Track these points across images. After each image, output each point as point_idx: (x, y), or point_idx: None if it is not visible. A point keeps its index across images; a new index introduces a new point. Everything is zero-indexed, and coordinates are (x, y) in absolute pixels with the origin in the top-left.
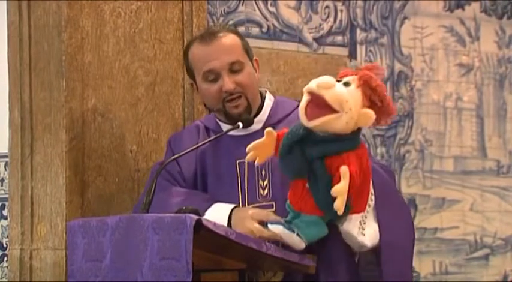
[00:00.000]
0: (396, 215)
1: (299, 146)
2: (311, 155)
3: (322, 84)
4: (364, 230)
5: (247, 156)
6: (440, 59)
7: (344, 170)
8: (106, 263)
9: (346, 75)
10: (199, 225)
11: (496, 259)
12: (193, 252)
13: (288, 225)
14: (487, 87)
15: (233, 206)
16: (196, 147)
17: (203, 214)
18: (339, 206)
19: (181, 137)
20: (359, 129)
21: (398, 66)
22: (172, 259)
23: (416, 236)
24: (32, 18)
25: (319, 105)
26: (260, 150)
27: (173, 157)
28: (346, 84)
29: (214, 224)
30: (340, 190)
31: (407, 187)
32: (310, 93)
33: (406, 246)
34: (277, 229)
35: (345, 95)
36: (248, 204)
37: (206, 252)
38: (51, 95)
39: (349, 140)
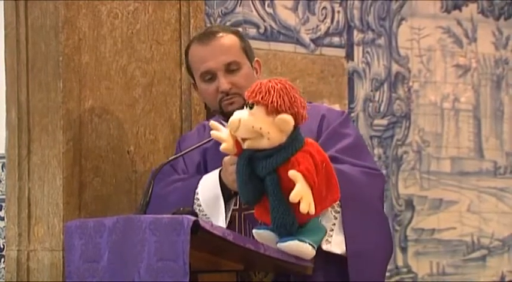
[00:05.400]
0: (367, 224)
1: (252, 171)
2: (262, 172)
3: (231, 128)
4: (330, 237)
5: (222, 147)
6: (438, 60)
7: (293, 173)
8: (103, 264)
9: (249, 94)
10: (196, 227)
11: (493, 260)
12: (191, 253)
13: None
14: (484, 88)
15: (218, 170)
16: (195, 148)
17: (196, 187)
18: (303, 208)
19: (189, 136)
20: (295, 129)
21: (395, 67)
22: (170, 260)
23: (413, 237)
24: (29, 19)
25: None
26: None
27: (172, 157)
28: (251, 106)
29: (212, 225)
30: (297, 194)
31: (404, 188)
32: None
33: (377, 256)
34: (291, 244)
35: (249, 122)
36: (230, 199)
37: (203, 253)
38: (48, 96)
39: (290, 144)
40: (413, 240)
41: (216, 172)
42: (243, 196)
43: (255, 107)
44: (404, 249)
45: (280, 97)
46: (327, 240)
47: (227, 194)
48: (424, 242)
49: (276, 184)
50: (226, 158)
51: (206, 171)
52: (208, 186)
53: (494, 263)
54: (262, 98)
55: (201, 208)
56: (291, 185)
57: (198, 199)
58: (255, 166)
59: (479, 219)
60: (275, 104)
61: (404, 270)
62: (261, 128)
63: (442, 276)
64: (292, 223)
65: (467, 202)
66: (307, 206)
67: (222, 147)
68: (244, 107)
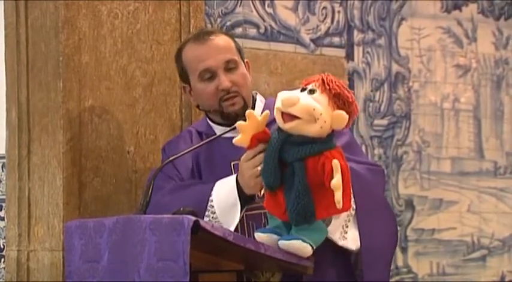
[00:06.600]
0: (378, 220)
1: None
2: (291, 158)
3: (287, 102)
4: (346, 234)
5: (235, 140)
6: (438, 60)
7: (336, 163)
8: (103, 264)
9: (309, 83)
10: (196, 227)
11: (493, 260)
12: (191, 253)
13: (279, 231)
14: (484, 89)
15: (234, 176)
16: (192, 150)
17: (210, 194)
18: (338, 199)
19: (175, 143)
20: (333, 131)
21: (395, 68)
22: (170, 260)
23: (413, 237)
24: (29, 19)
25: (291, 116)
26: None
27: (170, 159)
28: (311, 91)
29: (212, 225)
30: (337, 183)
31: (404, 188)
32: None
33: (386, 252)
34: (294, 242)
35: (311, 104)
36: (246, 205)
37: (204, 253)
38: (48, 95)
39: (328, 141)
40: (413, 241)
41: (232, 179)
42: (267, 180)
43: (317, 93)
44: (404, 250)
45: (348, 93)
46: (343, 236)
47: (243, 199)
48: (424, 242)
49: (304, 171)
50: (242, 157)
51: (200, 176)
52: (225, 194)
53: (495, 263)
54: (332, 88)
55: (214, 215)
56: (316, 177)
57: (213, 206)
58: (284, 150)
59: (480, 219)
60: (344, 98)
61: (405, 270)
62: (321, 114)
63: (442, 276)
64: (312, 214)
65: (467, 202)
66: (340, 198)
67: (238, 138)
68: (300, 90)
